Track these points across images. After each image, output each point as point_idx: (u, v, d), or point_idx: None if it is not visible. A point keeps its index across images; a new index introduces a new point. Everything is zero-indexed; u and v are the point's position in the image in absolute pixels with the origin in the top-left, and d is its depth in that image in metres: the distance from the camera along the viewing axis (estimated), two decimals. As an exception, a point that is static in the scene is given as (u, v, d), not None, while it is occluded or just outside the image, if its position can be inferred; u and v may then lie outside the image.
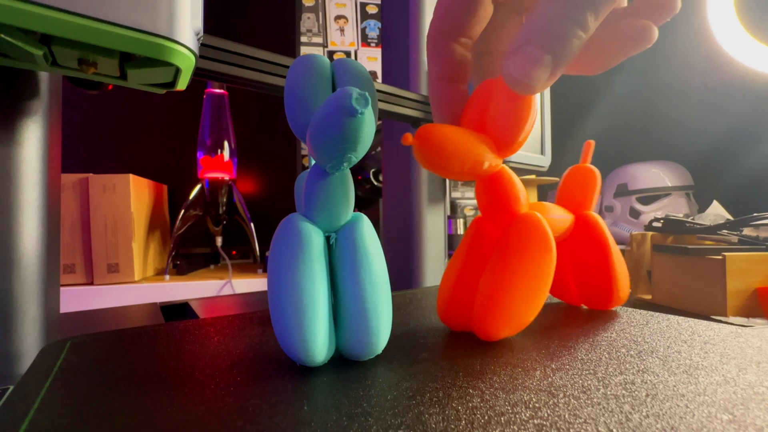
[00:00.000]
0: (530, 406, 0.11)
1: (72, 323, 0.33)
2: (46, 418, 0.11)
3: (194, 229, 0.93)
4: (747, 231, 0.74)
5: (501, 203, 0.18)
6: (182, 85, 0.20)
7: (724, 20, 1.11)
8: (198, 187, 0.92)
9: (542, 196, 1.27)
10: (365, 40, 1.30)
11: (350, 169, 0.15)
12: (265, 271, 0.98)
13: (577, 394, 0.12)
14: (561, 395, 0.12)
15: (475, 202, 1.16)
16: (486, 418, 0.11)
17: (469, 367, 0.14)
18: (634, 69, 1.35)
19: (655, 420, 0.10)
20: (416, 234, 0.48)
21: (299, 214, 0.15)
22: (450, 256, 0.23)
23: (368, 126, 0.12)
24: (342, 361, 0.15)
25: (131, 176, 0.82)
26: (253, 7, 1.25)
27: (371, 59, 1.30)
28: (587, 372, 0.14)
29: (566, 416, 0.11)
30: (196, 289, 0.87)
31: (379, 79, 0.64)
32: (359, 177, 0.86)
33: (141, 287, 0.83)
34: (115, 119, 1.11)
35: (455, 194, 1.20)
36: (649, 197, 1.12)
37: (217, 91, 0.96)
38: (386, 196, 0.54)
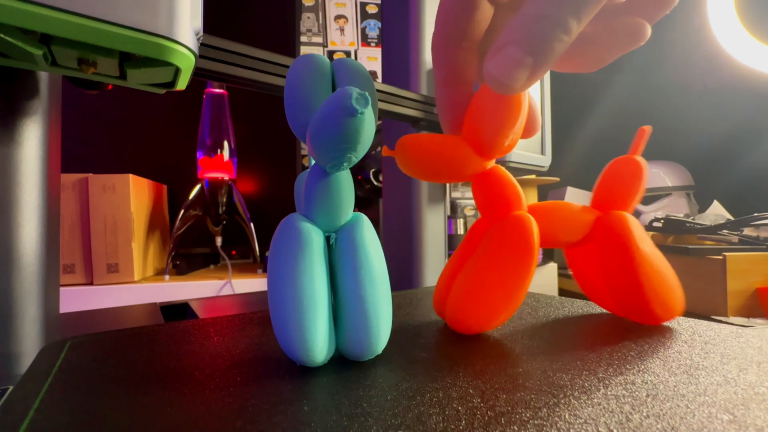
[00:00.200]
0: (530, 406, 0.11)
1: (72, 323, 0.33)
2: (46, 418, 0.11)
3: (194, 229, 0.93)
4: (747, 231, 0.74)
5: (490, 203, 0.19)
6: (182, 85, 0.20)
7: (724, 20, 1.11)
8: (198, 187, 0.92)
9: (542, 196, 1.27)
10: (365, 40, 1.30)
11: (350, 169, 0.15)
12: (265, 271, 0.98)
13: (577, 394, 0.12)
14: (561, 395, 0.12)
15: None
16: (486, 418, 0.11)
17: (469, 367, 0.14)
18: (634, 69, 1.35)
19: (655, 420, 0.10)
20: (416, 234, 0.48)
21: (299, 214, 0.15)
22: (450, 256, 0.23)
23: (368, 126, 0.12)
24: (342, 361, 0.15)
25: (131, 176, 0.82)
26: (253, 7, 1.25)
27: (371, 59, 1.30)
28: (587, 372, 0.14)
29: (566, 416, 0.11)
30: (196, 289, 0.87)
31: (379, 79, 0.64)
32: (359, 177, 0.86)
33: (141, 287, 0.83)
34: (115, 119, 1.11)
35: (455, 194, 1.20)
36: (650, 197, 1.12)
37: (217, 91, 0.96)
38: (386, 196, 0.54)
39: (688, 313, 0.20)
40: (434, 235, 0.48)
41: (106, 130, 1.10)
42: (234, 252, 1.11)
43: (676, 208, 1.12)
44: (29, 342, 0.22)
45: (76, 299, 0.78)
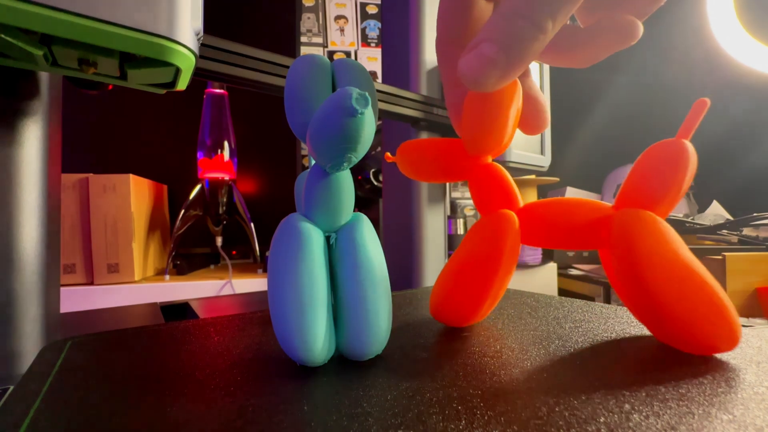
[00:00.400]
0: (530, 405, 0.11)
1: (72, 323, 0.33)
2: (46, 418, 0.11)
3: (194, 229, 0.93)
4: (747, 231, 0.74)
5: (483, 200, 0.19)
6: (182, 85, 0.20)
7: (724, 20, 1.11)
8: (198, 187, 0.92)
9: (542, 196, 1.27)
10: (365, 40, 1.30)
11: (350, 169, 0.15)
12: (265, 271, 0.98)
13: (577, 393, 0.12)
14: (561, 395, 0.12)
15: (475, 202, 1.16)
16: (486, 418, 0.11)
17: (469, 367, 0.14)
18: (634, 69, 1.35)
19: (655, 420, 0.10)
20: (416, 234, 0.48)
21: (299, 214, 0.15)
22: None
23: (368, 126, 0.12)
24: (342, 361, 0.15)
25: (131, 176, 0.82)
26: (253, 7, 1.25)
27: (371, 59, 1.30)
28: (587, 371, 0.14)
29: (566, 416, 0.11)
30: (196, 289, 0.87)
31: (379, 79, 0.64)
32: (359, 177, 0.86)
33: (141, 287, 0.83)
34: (116, 119, 1.11)
35: (455, 194, 1.20)
36: (649, 197, 1.12)
37: (217, 91, 0.96)
38: (386, 196, 0.54)
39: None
40: (434, 235, 0.48)
41: (106, 130, 1.10)
42: (234, 252, 1.11)
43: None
44: (29, 342, 0.22)
45: (76, 299, 0.78)
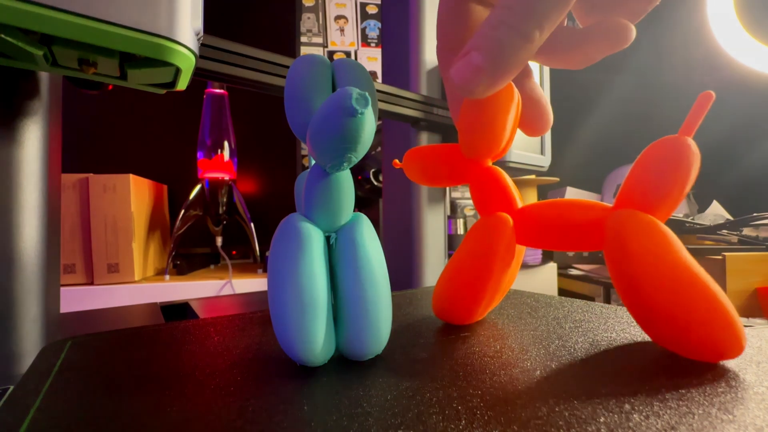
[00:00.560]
0: (530, 405, 0.11)
1: (72, 323, 0.33)
2: (46, 418, 0.11)
3: (194, 229, 0.93)
4: (747, 231, 0.74)
5: (482, 203, 0.20)
6: (182, 85, 0.20)
7: (724, 20, 1.11)
8: (198, 187, 0.92)
9: (542, 196, 1.27)
10: (365, 40, 1.30)
11: (350, 169, 0.15)
12: (265, 271, 0.98)
13: (577, 393, 0.12)
14: (561, 395, 0.12)
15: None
16: (486, 418, 0.11)
17: (469, 367, 0.14)
18: (634, 69, 1.35)
19: (655, 420, 0.10)
20: (416, 234, 0.48)
21: (299, 214, 0.15)
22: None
23: (368, 126, 0.12)
24: (342, 361, 0.15)
25: (131, 176, 0.82)
26: (253, 7, 1.25)
27: (371, 59, 1.30)
28: (587, 371, 0.14)
29: (566, 416, 0.11)
30: (196, 289, 0.87)
31: (379, 79, 0.64)
32: (359, 177, 0.86)
33: (141, 287, 0.83)
34: (116, 119, 1.11)
35: (455, 194, 1.20)
36: (649, 197, 1.12)
37: (217, 91, 0.96)
38: (386, 196, 0.54)
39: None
40: (434, 235, 0.48)
41: (106, 130, 1.10)
42: (234, 252, 1.11)
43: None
44: (30, 342, 0.22)
45: (76, 299, 0.78)
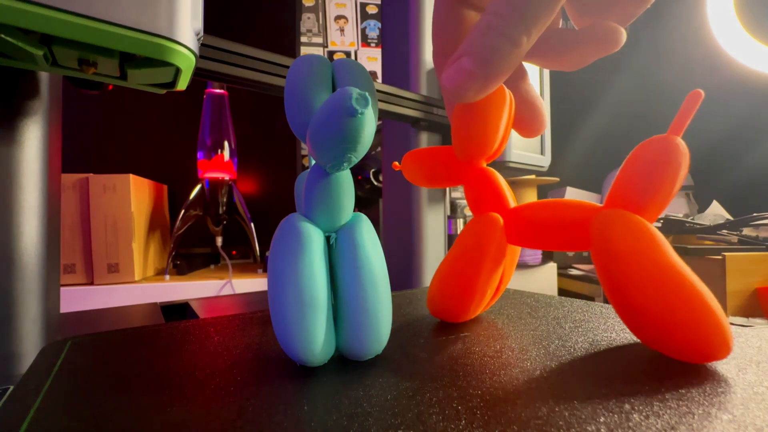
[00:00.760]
0: (530, 405, 0.11)
1: (72, 323, 0.33)
2: (46, 418, 0.11)
3: (194, 229, 0.93)
4: (747, 231, 0.74)
5: (474, 203, 0.20)
6: (182, 85, 0.20)
7: (724, 20, 1.11)
8: (198, 187, 0.92)
9: (542, 196, 1.27)
10: (365, 40, 1.30)
11: (350, 169, 0.15)
12: (265, 271, 0.98)
13: (577, 393, 0.12)
14: (561, 395, 0.12)
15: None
16: (486, 418, 0.11)
17: (469, 367, 0.14)
18: (634, 69, 1.35)
19: (655, 420, 0.10)
20: (416, 234, 0.48)
21: (299, 214, 0.15)
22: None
23: (368, 126, 0.12)
24: (342, 361, 0.15)
25: (131, 176, 0.82)
26: (253, 7, 1.25)
27: (371, 59, 1.30)
28: (587, 371, 0.14)
29: (566, 416, 0.11)
30: (196, 289, 0.87)
31: (379, 79, 0.64)
32: (359, 177, 0.86)
33: (141, 287, 0.83)
34: (115, 119, 1.11)
35: (455, 194, 1.20)
36: (649, 197, 1.12)
37: (217, 91, 0.96)
38: (386, 196, 0.54)
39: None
40: (434, 235, 0.48)
41: (106, 130, 1.10)
42: (234, 252, 1.11)
43: (676, 208, 1.12)
44: (29, 342, 0.22)
45: (76, 299, 0.78)
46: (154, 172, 0.98)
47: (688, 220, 0.80)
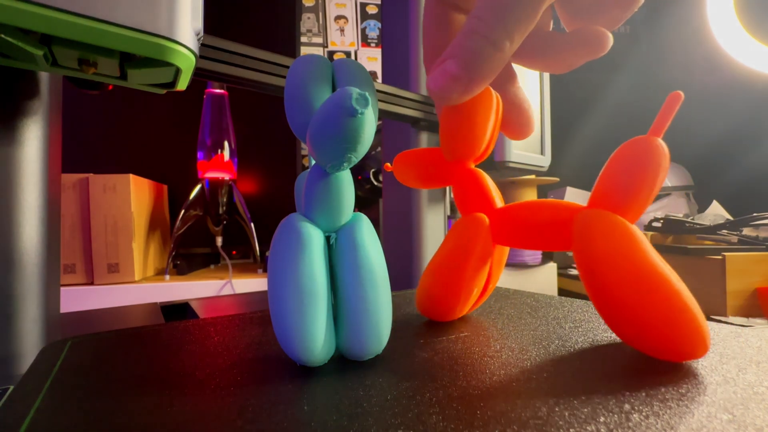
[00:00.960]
0: (530, 405, 0.11)
1: (72, 323, 0.33)
2: (46, 418, 0.11)
3: (194, 229, 0.93)
4: (747, 231, 0.74)
5: (461, 204, 0.21)
6: (182, 85, 0.20)
7: (724, 20, 1.11)
8: (198, 187, 0.92)
9: (542, 196, 1.27)
10: (365, 40, 1.30)
11: (350, 169, 0.15)
12: (265, 271, 0.98)
13: (577, 393, 0.12)
14: (561, 395, 0.12)
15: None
16: (486, 418, 0.11)
17: (469, 367, 0.14)
18: (634, 69, 1.35)
19: (655, 420, 0.10)
20: (416, 234, 0.48)
21: (299, 214, 0.15)
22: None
23: (368, 126, 0.12)
24: (342, 361, 0.15)
25: (131, 176, 0.82)
26: (253, 7, 1.25)
27: (371, 59, 1.30)
28: (587, 371, 0.14)
29: (566, 416, 0.11)
30: (196, 289, 0.87)
31: (379, 79, 0.64)
32: (359, 177, 0.86)
33: (141, 287, 0.83)
34: (115, 119, 1.11)
35: (455, 194, 1.20)
36: (649, 197, 1.12)
37: (217, 91, 0.96)
38: (386, 196, 0.54)
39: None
40: (434, 235, 0.48)
41: (106, 130, 1.10)
42: (234, 252, 1.11)
43: (676, 208, 1.12)
44: (29, 342, 0.22)
45: (76, 299, 0.78)
46: (154, 172, 0.98)
47: (688, 220, 0.80)
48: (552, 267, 0.94)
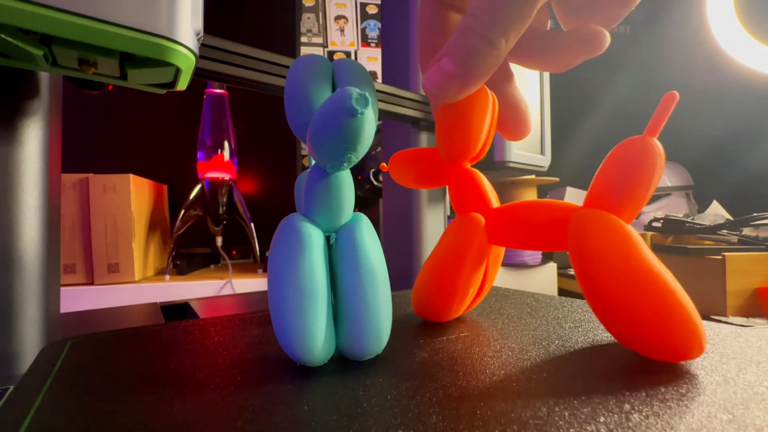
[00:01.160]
0: (530, 405, 0.11)
1: (72, 323, 0.33)
2: (46, 418, 0.11)
3: (194, 229, 0.93)
4: (747, 231, 0.74)
5: (457, 204, 0.21)
6: (182, 85, 0.20)
7: (724, 20, 1.11)
8: (198, 187, 0.92)
9: (542, 196, 1.27)
10: (365, 40, 1.30)
11: (350, 169, 0.15)
12: (265, 271, 0.98)
13: (577, 393, 0.12)
14: (561, 395, 0.12)
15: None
16: (486, 418, 0.11)
17: (469, 367, 0.14)
18: (635, 69, 1.35)
19: (655, 420, 0.10)
20: (416, 234, 0.48)
21: (299, 214, 0.15)
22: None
23: (368, 126, 0.12)
24: (342, 361, 0.15)
25: (131, 176, 0.82)
26: (253, 7, 1.25)
27: (371, 59, 1.30)
28: (587, 371, 0.14)
29: (566, 416, 0.11)
30: (196, 289, 0.87)
31: (379, 79, 0.64)
32: (359, 177, 0.86)
33: (141, 287, 0.83)
34: (116, 119, 1.11)
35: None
36: (649, 197, 1.12)
37: (217, 91, 0.96)
38: (386, 196, 0.54)
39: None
40: (434, 235, 0.48)
41: (106, 130, 1.10)
42: (234, 252, 1.11)
43: (676, 208, 1.12)
44: (29, 342, 0.22)
45: (76, 299, 0.78)
46: (154, 172, 0.98)
47: (688, 220, 0.80)
48: (552, 267, 0.94)
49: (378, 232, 0.18)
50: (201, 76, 0.26)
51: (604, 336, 0.18)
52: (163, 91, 0.21)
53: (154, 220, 0.95)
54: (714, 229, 0.76)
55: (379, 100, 0.38)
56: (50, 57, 0.18)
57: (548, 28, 0.19)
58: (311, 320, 0.13)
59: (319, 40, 1.28)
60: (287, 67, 0.29)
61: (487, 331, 0.19)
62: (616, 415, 0.11)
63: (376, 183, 0.85)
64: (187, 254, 1.04)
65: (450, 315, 0.20)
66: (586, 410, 0.11)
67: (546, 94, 0.62)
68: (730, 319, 0.65)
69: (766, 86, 1.09)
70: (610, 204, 0.15)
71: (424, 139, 0.47)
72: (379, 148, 0.87)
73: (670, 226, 0.82)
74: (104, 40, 0.15)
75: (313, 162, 0.15)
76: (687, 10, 1.21)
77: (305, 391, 0.13)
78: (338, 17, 1.29)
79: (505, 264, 0.88)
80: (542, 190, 1.27)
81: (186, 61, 0.18)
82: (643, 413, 0.11)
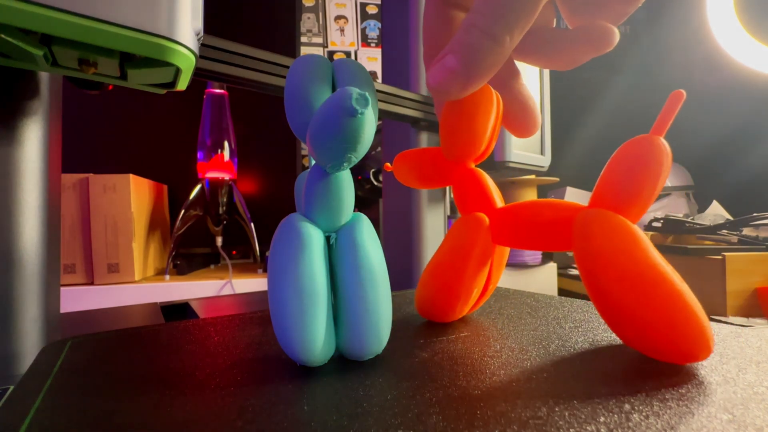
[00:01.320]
0: (530, 405, 0.11)
1: (72, 323, 0.33)
2: (46, 418, 0.11)
3: (194, 229, 0.93)
4: (747, 231, 0.74)
5: (461, 204, 0.21)
6: (182, 85, 0.20)
7: (724, 20, 1.11)
8: (198, 187, 0.92)
9: (542, 196, 1.27)
10: (365, 40, 1.30)
11: (350, 169, 0.15)
12: (265, 271, 0.98)
13: (577, 393, 0.12)
14: (561, 395, 0.12)
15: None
16: (486, 418, 0.11)
17: (469, 367, 0.14)
18: (634, 69, 1.35)
19: (655, 420, 0.10)
20: (416, 234, 0.48)
21: (299, 214, 0.15)
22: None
23: (368, 126, 0.12)
24: (342, 361, 0.15)
25: (131, 176, 0.82)
26: (253, 7, 1.25)
27: (371, 59, 1.30)
28: (587, 371, 0.14)
29: (566, 416, 0.11)
30: (196, 289, 0.87)
31: (379, 79, 0.64)
32: (359, 177, 0.86)
33: (141, 287, 0.83)
34: (115, 119, 1.11)
35: (455, 194, 1.20)
36: (649, 197, 1.12)
37: (217, 91, 0.96)
38: (386, 196, 0.54)
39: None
40: (434, 235, 0.48)
41: (106, 130, 1.10)
42: (234, 252, 1.11)
43: (676, 208, 1.12)
44: (29, 342, 0.22)
45: (76, 299, 0.78)
46: (154, 172, 0.98)
47: (688, 220, 0.80)
48: (552, 267, 0.94)
49: (378, 232, 0.18)
50: (201, 76, 0.26)
51: (604, 336, 0.18)
52: (163, 91, 0.21)
53: (154, 220, 0.95)
54: (714, 229, 0.76)
55: (379, 100, 0.38)
56: (50, 57, 0.18)
57: (554, 25, 0.19)
58: (311, 320, 0.13)
59: (319, 40, 1.28)
60: (287, 67, 0.29)
61: (487, 331, 0.19)
62: (616, 415, 0.11)
63: (376, 183, 0.85)
64: (187, 254, 1.04)
65: (454, 315, 0.20)
66: (586, 410, 0.11)
67: (546, 94, 0.62)
68: (730, 319, 0.65)
69: (766, 86, 1.09)
70: (616, 203, 0.15)
71: (424, 139, 0.47)
72: (379, 148, 0.87)
73: (670, 226, 0.82)
74: (104, 40, 0.15)
75: (313, 162, 0.15)
76: (687, 10, 1.21)
77: (305, 391, 0.13)
78: (338, 17, 1.29)
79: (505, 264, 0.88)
80: (542, 190, 1.27)
81: (186, 61, 0.18)
82: (643, 413, 0.11)
